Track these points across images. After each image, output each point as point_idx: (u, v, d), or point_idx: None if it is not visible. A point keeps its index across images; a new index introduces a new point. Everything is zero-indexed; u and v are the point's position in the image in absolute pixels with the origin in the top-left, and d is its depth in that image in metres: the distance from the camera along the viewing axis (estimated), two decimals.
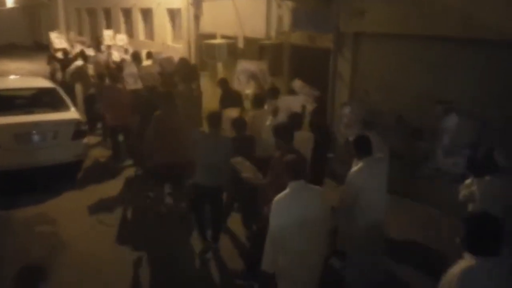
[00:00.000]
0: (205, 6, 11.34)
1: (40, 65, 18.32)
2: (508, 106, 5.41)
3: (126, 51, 12.27)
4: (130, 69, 8.98)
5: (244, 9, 9.87)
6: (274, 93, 6.61)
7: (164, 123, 5.82)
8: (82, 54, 11.13)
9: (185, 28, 12.24)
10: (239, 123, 5.43)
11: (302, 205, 3.54)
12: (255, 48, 9.30)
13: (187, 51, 12.18)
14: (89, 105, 9.57)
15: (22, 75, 13.70)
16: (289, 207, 3.52)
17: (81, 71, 10.23)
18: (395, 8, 6.44)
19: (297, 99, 6.45)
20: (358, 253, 4.44)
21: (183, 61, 9.64)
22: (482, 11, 5.47)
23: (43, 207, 6.45)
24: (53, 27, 21.01)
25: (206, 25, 11.42)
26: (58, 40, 14.38)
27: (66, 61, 11.91)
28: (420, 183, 6.56)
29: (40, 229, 5.84)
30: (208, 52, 10.35)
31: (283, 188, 3.64)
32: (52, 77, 12.31)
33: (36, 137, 6.94)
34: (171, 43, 13.57)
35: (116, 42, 13.49)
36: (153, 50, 13.21)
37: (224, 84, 7.74)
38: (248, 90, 7.71)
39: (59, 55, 13.09)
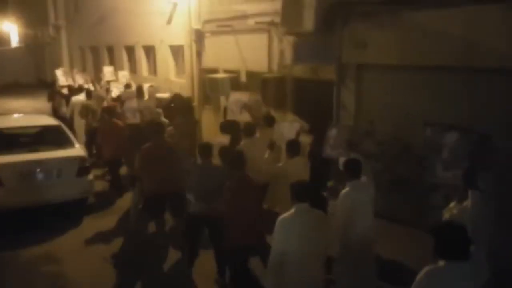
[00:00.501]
0: (208, 42, 11.53)
1: (44, 102, 18.53)
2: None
3: (128, 86, 12.44)
4: (130, 104, 9.32)
5: (246, 44, 10.04)
6: (268, 121, 6.90)
7: (151, 153, 5.96)
8: (84, 89, 11.41)
9: (188, 64, 12.41)
10: (225, 153, 5.52)
11: (305, 226, 3.72)
12: (257, 82, 9.38)
13: (190, 86, 12.31)
14: (91, 139, 9.97)
15: (26, 113, 13.90)
16: (293, 227, 3.71)
17: (87, 106, 10.44)
18: (397, 40, 6.53)
19: (292, 126, 6.61)
20: (346, 275, 4.55)
21: (177, 96, 10.08)
22: (483, 40, 5.54)
23: (48, 246, 6.35)
24: (57, 65, 21.42)
25: (209, 60, 11.59)
26: (63, 78, 14.85)
27: (70, 96, 12.22)
28: (431, 213, 6.46)
29: (46, 269, 5.73)
30: (211, 86, 10.46)
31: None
32: (54, 113, 12.76)
33: (40, 175, 6.93)
34: (174, 78, 13.73)
35: (118, 78, 13.85)
36: (155, 85, 13.42)
37: (226, 112, 8.21)
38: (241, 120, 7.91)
39: (65, 91, 13.41)
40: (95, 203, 7.93)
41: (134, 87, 12.20)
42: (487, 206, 4.02)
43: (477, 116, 5.80)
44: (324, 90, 7.87)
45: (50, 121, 8.50)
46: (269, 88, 9.09)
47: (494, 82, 5.63)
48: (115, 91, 11.94)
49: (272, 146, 6.03)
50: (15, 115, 9.88)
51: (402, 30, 6.47)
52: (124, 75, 14.38)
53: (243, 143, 6.34)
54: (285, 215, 3.81)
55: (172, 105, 9.95)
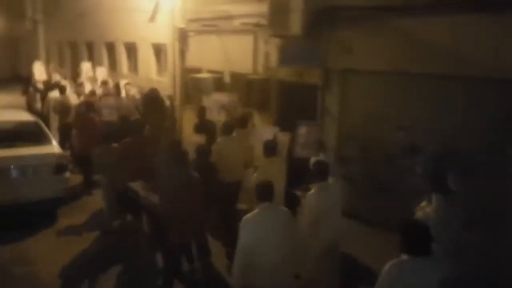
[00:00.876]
0: (191, 41, 11.40)
1: (18, 96, 18.01)
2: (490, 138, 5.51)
3: (105, 83, 12.30)
4: (107, 100, 9.48)
5: (231, 45, 9.96)
6: (243, 122, 7.19)
7: (130, 149, 6.03)
8: (59, 86, 11.15)
9: (171, 62, 12.23)
10: (202, 151, 5.74)
11: (269, 224, 3.83)
12: (241, 83, 9.33)
13: (171, 85, 12.14)
14: (63, 135, 9.82)
15: (1, 107, 13.52)
16: (257, 225, 3.80)
17: (62, 102, 10.25)
18: (382, 46, 6.57)
19: (270, 129, 6.98)
20: (313, 275, 4.63)
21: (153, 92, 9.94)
22: (468, 48, 5.63)
23: (22, 246, 6.14)
24: (33, 59, 20.81)
25: (192, 60, 11.45)
26: (39, 72, 14.59)
27: (46, 91, 11.97)
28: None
29: (19, 271, 5.51)
30: (194, 86, 10.35)
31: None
32: (28, 107, 12.54)
33: (16, 172, 6.67)
34: (155, 77, 13.52)
35: (96, 75, 13.63)
36: (136, 83, 13.21)
37: (201, 112, 8.26)
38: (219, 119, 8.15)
39: (40, 85, 13.12)
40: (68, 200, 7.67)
41: (111, 84, 12.19)
42: (455, 207, 4.26)
43: (460, 124, 5.90)
44: (309, 93, 7.87)
45: (27, 116, 8.23)
46: (254, 90, 9.05)
47: (478, 90, 5.72)
48: (88, 86, 11.82)
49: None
50: None
51: (388, 37, 6.52)
52: (101, 71, 14.17)
53: (220, 141, 6.50)
54: (249, 215, 3.90)
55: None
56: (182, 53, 11.72)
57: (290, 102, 8.58)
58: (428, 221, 4.03)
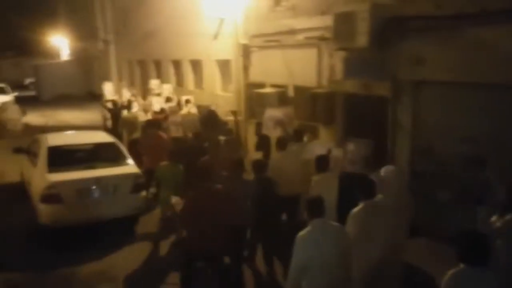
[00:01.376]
0: (254, 56, 11.57)
1: (93, 114, 19.32)
2: None
3: (168, 99, 12.78)
4: (173, 118, 9.83)
5: (294, 59, 9.97)
6: (297, 136, 7.45)
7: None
8: (128, 104, 12.10)
9: (235, 78, 12.49)
10: (258, 165, 5.84)
11: (322, 241, 3.87)
12: (306, 97, 9.29)
13: (236, 100, 12.36)
14: (131, 151, 9.85)
15: (78, 125, 14.54)
16: (310, 243, 3.85)
17: (129, 119, 11.01)
18: (456, 56, 6.27)
19: (323, 145, 6.91)
20: None
21: (210, 112, 10.58)
22: None
23: (104, 264, 6.48)
24: (106, 78, 22.22)
25: (256, 75, 11.61)
26: (108, 92, 15.50)
27: (115, 110, 12.90)
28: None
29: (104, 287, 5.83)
30: (258, 100, 10.47)
31: None
32: (105, 126, 13.37)
33: (97, 192, 7.09)
34: (220, 92, 13.86)
35: (162, 91, 14.26)
36: (202, 99, 13.61)
37: (258, 129, 8.57)
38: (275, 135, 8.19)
39: (109, 105, 13.97)
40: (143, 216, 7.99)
41: (174, 101, 12.68)
42: None
43: None
44: (377, 106, 7.67)
45: (106, 138, 8.71)
46: (318, 104, 8.98)
47: None
48: (156, 105, 12.26)
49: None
50: (72, 132, 10.22)
51: (462, 46, 6.21)
52: (167, 88, 14.74)
53: (275, 156, 6.76)
54: (303, 232, 3.94)
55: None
56: (246, 69, 11.92)
57: (357, 116, 8.41)
58: (496, 234, 4.08)
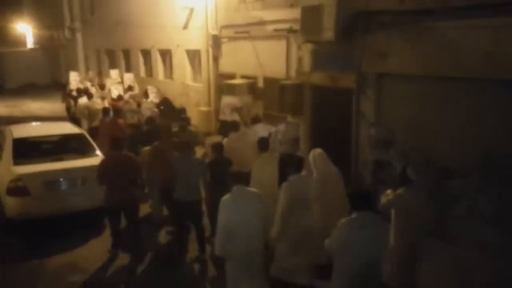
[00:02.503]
0: (225, 47, 11.61)
1: (59, 103, 18.86)
2: None
3: (130, 88, 13.25)
4: (129, 105, 10.37)
5: (263, 50, 10.09)
6: (254, 121, 8.10)
7: (162, 152, 6.91)
8: (86, 92, 12.42)
9: (205, 68, 12.50)
10: (215, 147, 6.59)
11: (242, 204, 4.63)
12: (275, 88, 9.43)
13: (206, 91, 12.41)
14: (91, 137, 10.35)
15: (47, 119, 14.43)
16: (231, 205, 4.61)
17: (88, 107, 11.41)
18: (418, 50, 6.51)
19: (266, 127, 7.60)
20: (284, 257, 5.23)
21: (164, 100, 11.35)
22: (506, 52, 5.51)
23: (73, 255, 6.48)
24: (72, 67, 21.75)
25: (226, 65, 11.66)
26: (74, 82, 15.68)
27: (78, 98, 13.16)
28: (454, 224, 6.45)
29: (73, 279, 5.84)
30: (228, 91, 10.54)
31: None
32: (67, 113, 14.06)
33: (65, 184, 7.04)
34: (190, 82, 13.84)
35: (124, 80, 14.79)
36: (172, 89, 13.57)
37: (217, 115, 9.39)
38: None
39: (74, 93, 14.22)
40: None
41: (136, 89, 13.28)
42: (421, 191, 5.03)
43: (500, 128, 5.79)
44: (343, 98, 7.88)
45: (73, 129, 8.60)
46: (287, 95, 9.12)
47: None
48: (115, 92, 12.76)
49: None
50: (38, 123, 10.04)
51: (423, 41, 6.45)
52: (128, 77, 15.14)
53: (229, 137, 7.33)
54: (225, 196, 4.72)
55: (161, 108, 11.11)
56: (216, 59, 11.96)
57: (324, 107, 8.62)
58: (389, 205, 4.99)
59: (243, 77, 10.80)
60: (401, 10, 6.63)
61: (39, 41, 31.23)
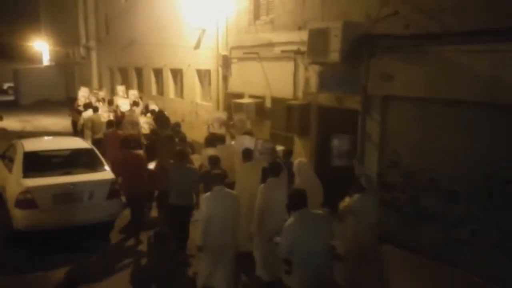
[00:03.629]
0: (234, 67, 11.83)
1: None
2: None
3: (135, 103, 13.76)
4: (129, 118, 11.22)
5: (271, 71, 10.27)
6: (245, 134, 8.73)
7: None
8: (92, 106, 13.09)
9: (214, 88, 12.72)
10: (214, 160, 7.03)
11: (220, 202, 5.43)
12: (282, 108, 9.55)
13: (215, 109, 12.57)
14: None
15: (59, 134, 14.76)
16: (211, 203, 5.41)
17: (93, 120, 12.05)
18: (422, 73, 6.61)
19: (251, 140, 7.97)
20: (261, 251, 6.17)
21: (160, 113, 12.02)
22: (507, 76, 5.58)
23: (79, 268, 6.54)
24: (86, 84, 22.20)
25: (235, 85, 11.86)
26: (83, 98, 16.21)
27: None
28: (456, 247, 6.42)
29: None
30: (237, 110, 10.70)
31: None
32: (74, 126, 14.88)
33: (72, 198, 7.16)
34: (200, 101, 14.05)
35: (129, 96, 15.35)
36: (183, 108, 13.78)
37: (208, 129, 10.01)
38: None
39: (81, 108, 14.77)
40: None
41: (141, 105, 13.76)
42: (373, 197, 5.61)
43: (502, 151, 5.82)
44: (349, 118, 7.97)
45: (83, 144, 8.77)
46: (294, 115, 9.24)
47: None
48: (124, 107, 13.48)
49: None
50: (49, 138, 10.25)
51: (427, 64, 6.55)
52: (133, 93, 15.67)
53: (218, 148, 8.11)
54: (207, 194, 5.55)
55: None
56: (225, 79, 12.17)
57: (330, 127, 8.69)
58: (347, 211, 5.57)
59: (251, 96, 10.97)
60: (405, 34, 6.78)
61: (54, 58, 32.01)
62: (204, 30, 12.99)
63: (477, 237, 6.18)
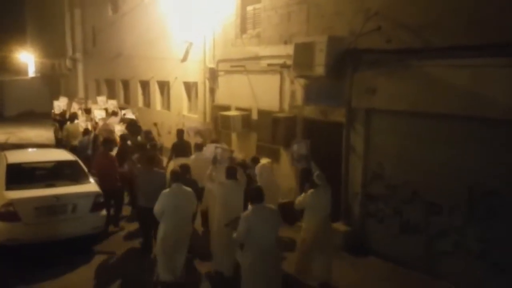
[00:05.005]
0: (221, 80, 11.89)
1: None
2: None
3: (114, 113, 14.09)
4: (104, 126, 12.01)
5: (258, 84, 10.36)
6: (212, 142, 9.41)
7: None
8: (73, 115, 13.84)
9: (201, 100, 12.75)
10: (184, 167, 7.39)
11: (177, 197, 6.22)
12: (268, 120, 9.63)
13: (202, 121, 12.59)
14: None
15: (43, 146, 14.66)
16: (168, 197, 6.18)
17: (71, 129, 12.85)
18: (405, 87, 6.76)
19: (212, 146, 8.65)
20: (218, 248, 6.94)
21: (132, 121, 12.72)
22: (488, 90, 5.73)
23: (63, 282, 6.44)
24: (72, 96, 22.02)
25: (222, 98, 11.91)
26: (57, 107, 16.94)
27: (63, 121, 14.27)
28: (440, 259, 6.50)
29: None
30: (223, 123, 10.75)
31: None
32: (55, 137, 15.08)
33: (56, 210, 7.07)
34: (187, 113, 14.06)
35: (108, 106, 15.78)
36: (170, 120, 13.76)
37: (179, 134, 10.40)
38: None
39: (58, 117, 15.43)
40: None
41: (119, 115, 14.00)
42: (324, 192, 6.44)
43: (483, 164, 5.95)
44: (333, 131, 8.07)
45: (67, 156, 8.69)
46: (280, 127, 9.31)
47: (498, 132, 5.79)
48: (98, 116, 13.83)
49: (214, 160, 7.73)
50: (33, 149, 10.15)
51: (409, 78, 6.70)
52: (111, 103, 16.18)
53: (193, 156, 8.86)
54: (165, 190, 6.30)
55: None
56: (212, 91, 12.22)
57: (315, 140, 8.77)
58: (302, 203, 6.48)
59: (238, 109, 11.02)
60: (388, 49, 6.93)
61: (40, 70, 31.73)
62: (191, 43, 13.07)
63: (459, 249, 6.27)
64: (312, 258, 6.38)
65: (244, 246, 5.41)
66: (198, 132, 10.84)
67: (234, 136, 11.21)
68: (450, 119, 6.30)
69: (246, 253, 5.38)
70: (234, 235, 5.44)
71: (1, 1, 34.19)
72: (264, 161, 8.44)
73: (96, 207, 7.39)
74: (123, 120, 12.95)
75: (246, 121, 10.62)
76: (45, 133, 20.70)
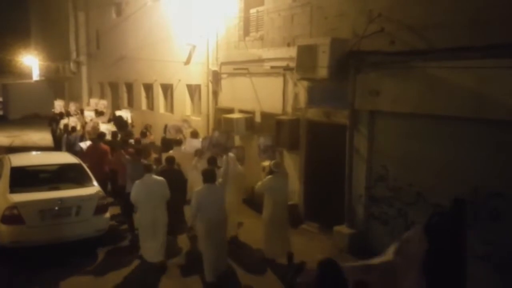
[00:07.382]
0: (224, 82, 11.90)
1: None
2: None
3: (101, 113, 15.77)
4: (91, 124, 13.38)
5: (261, 86, 10.35)
6: (193, 135, 10.91)
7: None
8: (67, 114, 15.86)
9: (204, 103, 12.76)
10: (169, 159, 8.25)
11: (149, 186, 7.03)
12: (272, 123, 9.62)
13: (205, 124, 12.60)
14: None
15: (47, 149, 14.86)
16: (139, 187, 7.00)
17: (66, 126, 14.01)
18: (409, 89, 6.73)
19: (198, 141, 10.10)
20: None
21: (118, 118, 14.33)
22: (493, 91, 5.70)
23: (67, 284, 6.45)
24: (76, 99, 22.07)
25: (225, 100, 11.91)
26: (58, 107, 18.80)
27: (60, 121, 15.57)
28: None
29: None
30: (226, 125, 10.73)
31: None
32: (53, 134, 16.38)
33: (60, 213, 7.09)
34: (190, 116, 14.05)
35: (98, 106, 17.40)
36: (172, 122, 13.77)
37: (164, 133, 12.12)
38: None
39: (57, 117, 16.53)
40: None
41: (106, 115, 15.61)
42: (281, 178, 7.43)
43: (487, 165, 5.91)
44: (337, 133, 8.05)
45: (70, 159, 8.73)
46: (283, 130, 9.30)
47: (502, 134, 5.75)
48: (88, 116, 15.22)
49: (198, 153, 8.72)
50: (37, 153, 10.19)
51: (413, 80, 6.68)
52: (102, 103, 17.89)
53: (174, 150, 9.64)
54: (137, 181, 7.07)
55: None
56: (215, 94, 12.23)
57: (318, 142, 8.78)
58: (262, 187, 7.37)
59: (241, 111, 11.01)
60: (391, 50, 6.91)
61: (44, 73, 31.86)
62: (194, 46, 13.08)
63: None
64: (274, 237, 7.23)
65: (198, 216, 6.47)
66: (179, 130, 11.88)
67: (237, 139, 11.19)
68: (454, 121, 6.26)
69: (200, 225, 6.58)
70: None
71: (6, 5, 34.45)
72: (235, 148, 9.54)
73: (99, 209, 7.42)
74: (113, 119, 14.30)
75: (249, 123, 10.61)
76: (49, 136, 20.72)
